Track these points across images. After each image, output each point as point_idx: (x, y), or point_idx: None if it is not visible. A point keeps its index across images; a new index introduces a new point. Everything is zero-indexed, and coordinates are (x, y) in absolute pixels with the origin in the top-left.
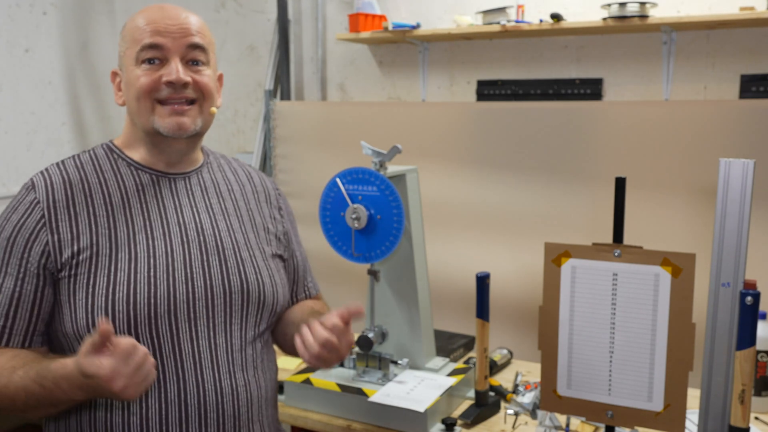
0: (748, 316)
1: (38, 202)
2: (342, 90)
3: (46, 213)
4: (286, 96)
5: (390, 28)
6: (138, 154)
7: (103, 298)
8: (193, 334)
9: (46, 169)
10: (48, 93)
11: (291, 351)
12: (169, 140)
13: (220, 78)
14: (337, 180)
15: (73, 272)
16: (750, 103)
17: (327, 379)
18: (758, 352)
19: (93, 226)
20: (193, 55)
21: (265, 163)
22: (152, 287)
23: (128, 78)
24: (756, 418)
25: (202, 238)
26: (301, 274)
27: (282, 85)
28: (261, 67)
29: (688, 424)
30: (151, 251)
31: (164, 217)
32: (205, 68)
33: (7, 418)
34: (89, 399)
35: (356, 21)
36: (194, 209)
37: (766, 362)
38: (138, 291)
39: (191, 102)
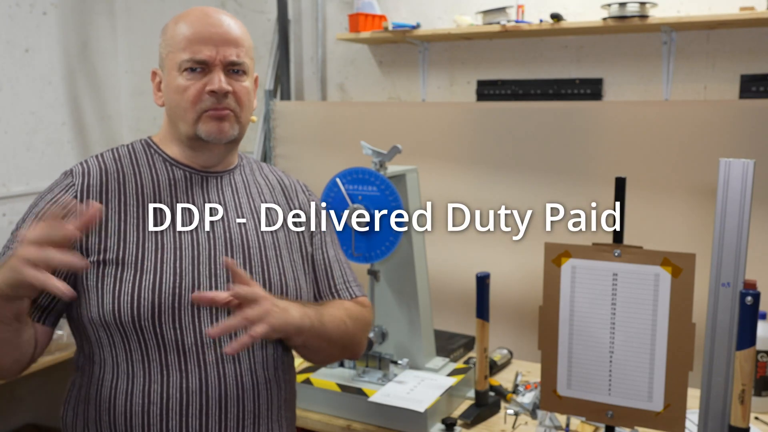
0: (748, 316)
1: (73, 185)
2: (342, 90)
3: (78, 195)
4: (286, 96)
5: (390, 28)
6: (174, 151)
7: (130, 285)
8: (214, 327)
9: (86, 160)
10: (48, 93)
11: (311, 357)
12: (209, 144)
13: (255, 80)
14: (337, 180)
15: (101, 258)
16: (750, 103)
17: (327, 379)
18: (758, 352)
19: (122, 215)
20: (235, 65)
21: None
22: (178, 278)
23: (170, 83)
24: (756, 418)
25: (228, 235)
26: (321, 273)
27: (282, 85)
28: (261, 67)
29: (688, 424)
30: (178, 243)
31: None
32: (244, 77)
33: (8, 418)
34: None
35: (356, 21)
36: (224, 206)
37: (766, 362)
38: (164, 281)
39: (228, 110)
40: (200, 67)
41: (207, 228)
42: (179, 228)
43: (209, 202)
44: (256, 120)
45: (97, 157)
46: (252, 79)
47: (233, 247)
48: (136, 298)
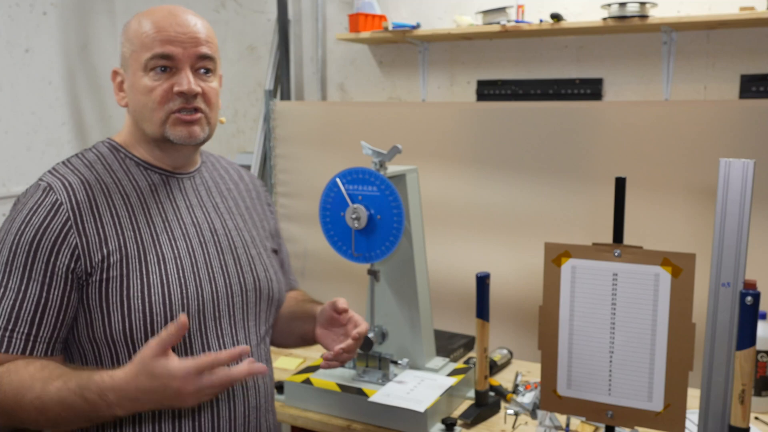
0: (748, 316)
1: (61, 204)
2: (342, 90)
3: (71, 215)
4: (286, 96)
5: (390, 28)
6: (142, 153)
7: (140, 301)
8: (219, 331)
9: (56, 170)
10: (48, 93)
11: (287, 343)
12: (178, 146)
13: (219, 79)
14: (337, 180)
15: (104, 276)
16: (750, 103)
17: (327, 379)
18: (758, 352)
19: (118, 227)
20: (203, 63)
21: (265, 163)
22: (183, 288)
23: (135, 83)
24: (756, 418)
25: (216, 237)
26: (287, 267)
27: (282, 85)
28: (261, 67)
29: (688, 424)
30: (176, 252)
31: (180, 217)
32: (212, 77)
33: None
34: (132, 414)
35: (356, 21)
36: (203, 208)
37: (766, 362)
38: (172, 292)
39: (199, 111)
40: (167, 67)
41: (196, 233)
42: (174, 235)
43: (192, 205)
44: (225, 122)
45: (66, 164)
46: (218, 79)
47: (223, 249)
48: (147, 313)
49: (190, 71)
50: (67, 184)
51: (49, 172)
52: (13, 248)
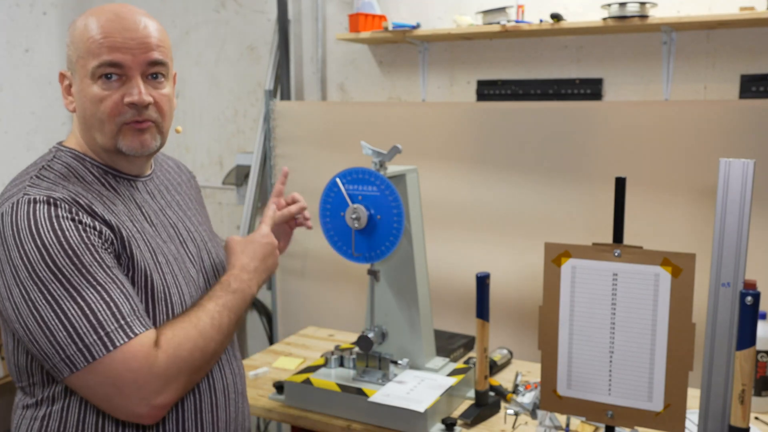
0: (748, 316)
1: (73, 206)
2: (342, 90)
3: (90, 211)
4: (286, 96)
5: (390, 28)
6: (106, 160)
7: (164, 303)
8: None
9: (36, 185)
10: (48, 93)
11: None
12: (130, 157)
13: (174, 77)
14: (337, 180)
15: (128, 275)
16: (750, 103)
17: (327, 379)
18: (758, 352)
19: (122, 233)
20: (154, 69)
21: (265, 163)
22: (187, 285)
23: (83, 90)
24: (756, 418)
25: (190, 235)
26: None
27: (282, 85)
28: (261, 67)
29: (688, 424)
30: (173, 253)
31: (161, 220)
32: (164, 83)
33: (8, 417)
34: (261, 286)
35: (356, 21)
36: (171, 209)
37: (766, 362)
38: (183, 292)
39: (149, 121)
40: (116, 75)
41: (175, 234)
42: (162, 236)
43: (163, 207)
44: (181, 131)
45: (42, 178)
46: (171, 82)
47: (198, 246)
48: (170, 313)
49: (140, 79)
50: (64, 195)
51: (31, 187)
52: (71, 254)
